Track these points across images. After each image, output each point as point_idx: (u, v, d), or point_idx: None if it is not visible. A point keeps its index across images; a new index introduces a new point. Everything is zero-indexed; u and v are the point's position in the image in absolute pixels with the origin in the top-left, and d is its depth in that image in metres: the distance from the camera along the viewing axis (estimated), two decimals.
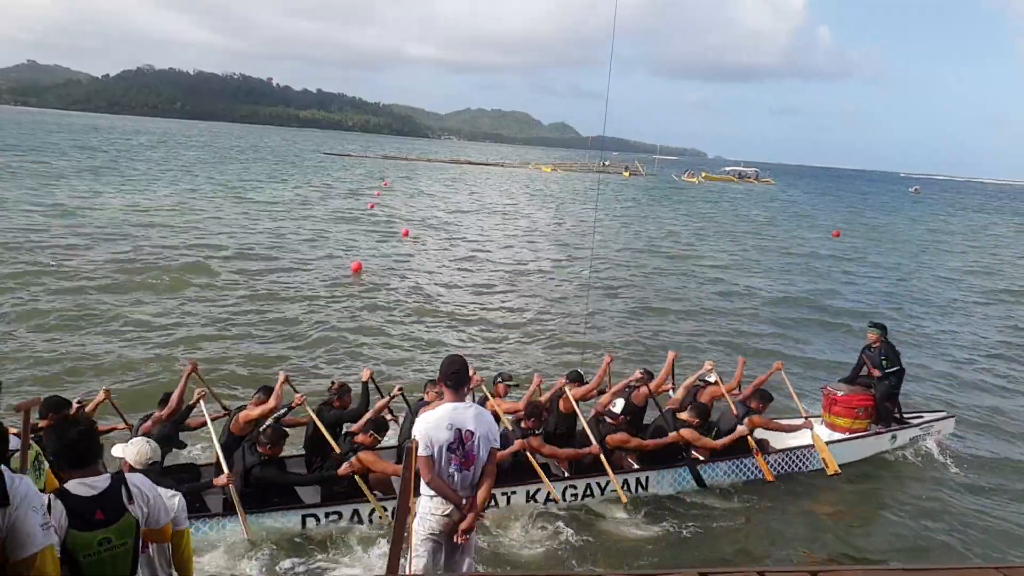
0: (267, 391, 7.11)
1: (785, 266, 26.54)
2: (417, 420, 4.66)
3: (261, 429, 6.76)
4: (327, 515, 6.76)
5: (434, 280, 19.54)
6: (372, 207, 35.63)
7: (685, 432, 8.03)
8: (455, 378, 4.58)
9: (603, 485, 7.64)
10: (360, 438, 6.83)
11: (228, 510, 6.49)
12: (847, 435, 9.24)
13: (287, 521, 6.63)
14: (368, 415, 7.12)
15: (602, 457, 7.53)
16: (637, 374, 8.24)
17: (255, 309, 14.99)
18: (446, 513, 4.55)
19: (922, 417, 10.02)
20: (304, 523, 6.69)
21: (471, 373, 7.52)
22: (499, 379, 8.31)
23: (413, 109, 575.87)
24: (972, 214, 71.22)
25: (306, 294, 16.63)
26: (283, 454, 6.85)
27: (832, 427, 9.41)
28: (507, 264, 22.95)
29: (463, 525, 4.52)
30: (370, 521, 6.83)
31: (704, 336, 15.58)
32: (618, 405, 8.11)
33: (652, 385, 8.28)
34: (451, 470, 4.51)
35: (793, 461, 8.65)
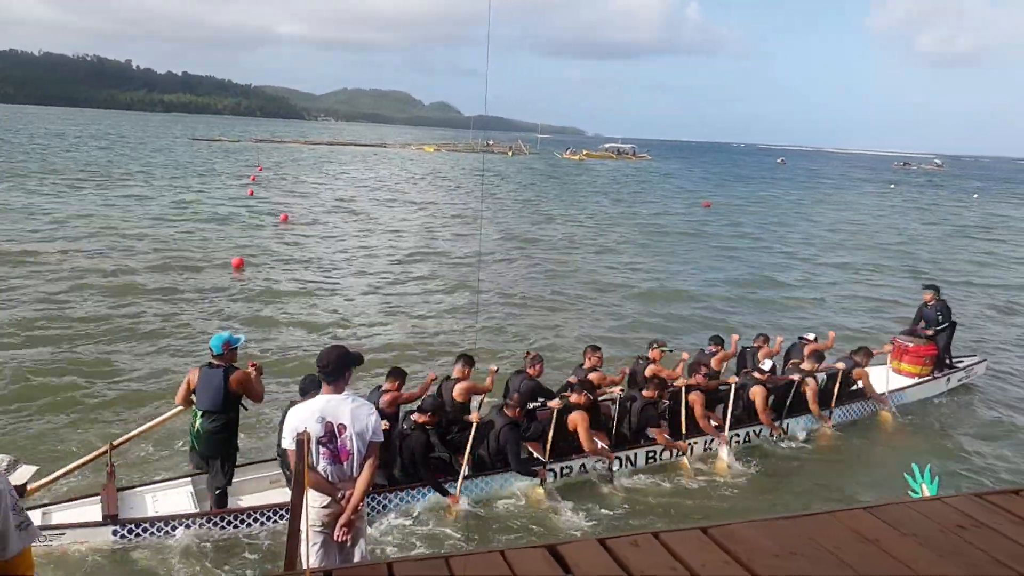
0: (399, 373, 7.47)
1: (669, 245, 27.53)
2: (290, 411, 4.50)
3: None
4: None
5: (317, 266, 18.97)
6: (251, 193, 34.18)
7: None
8: (329, 370, 4.42)
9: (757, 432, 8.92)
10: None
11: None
12: (917, 379, 10.85)
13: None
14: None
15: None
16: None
17: (124, 312, 13.88)
18: (324, 505, 4.44)
19: (963, 362, 11.72)
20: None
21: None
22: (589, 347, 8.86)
23: (287, 90, 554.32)
24: (827, 181, 76.54)
25: (185, 290, 15.61)
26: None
27: (900, 372, 10.95)
28: (393, 247, 22.59)
29: (341, 520, 4.41)
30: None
31: (615, 316, 15.93)
32: (767, 364, 9.08)
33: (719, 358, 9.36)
34: (323, 463, 4.41)
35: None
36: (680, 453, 8.27)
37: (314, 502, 4.39)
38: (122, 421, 8.83)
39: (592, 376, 8.32)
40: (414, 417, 7.02)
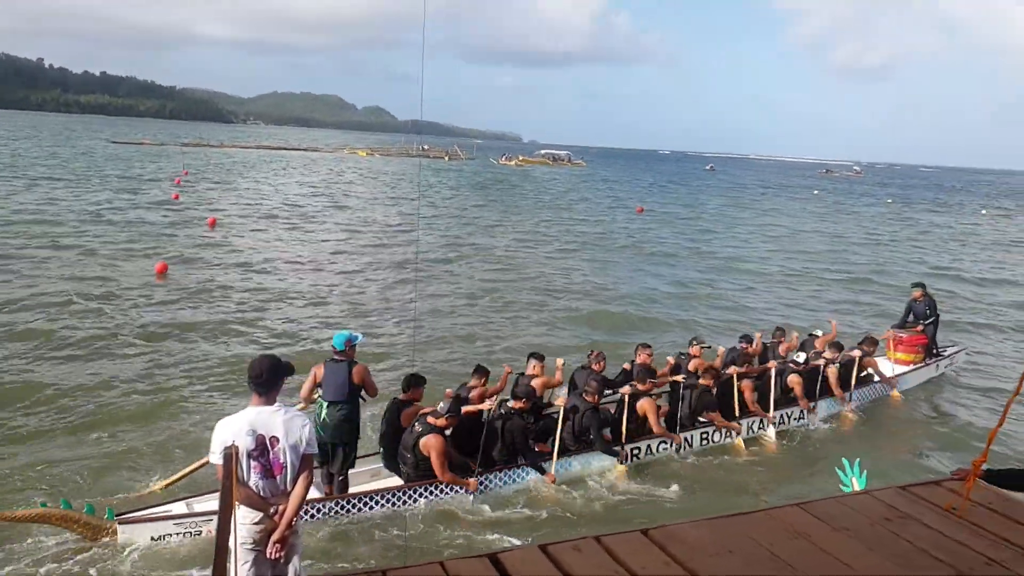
0: (483, 370, 8.30)
1: (607, 250, 27.88)
2: (219, 424, 4.33)
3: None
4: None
5: (247, 272, 18.45)
6: (176, 197, 33.07)
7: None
8: (261, 380, 4.26)
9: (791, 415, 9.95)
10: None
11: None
12: (911, 367, 12.20)
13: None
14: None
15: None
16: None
17: (44, 322, 13.17)
18: (256, 521, 4.27)
19: (947, 351, 13.15)
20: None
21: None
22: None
23: (214, 93, 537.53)
24: (755, 187, 78.99)
25: (105, 298, 14.94)
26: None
27: (897, 362, 12.25)
28: (327, 254, 22.19)
29: (274, 536, 4.25)
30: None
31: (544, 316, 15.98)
32: (800, 356, 10.23)
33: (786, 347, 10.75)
34: (254, 478, 4.24)
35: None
36: (736, 433, 9.32)
37: (244, 518, 4.21)
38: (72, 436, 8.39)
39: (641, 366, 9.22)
40: (511, 404, 7.80)
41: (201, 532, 6.46)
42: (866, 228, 40.03)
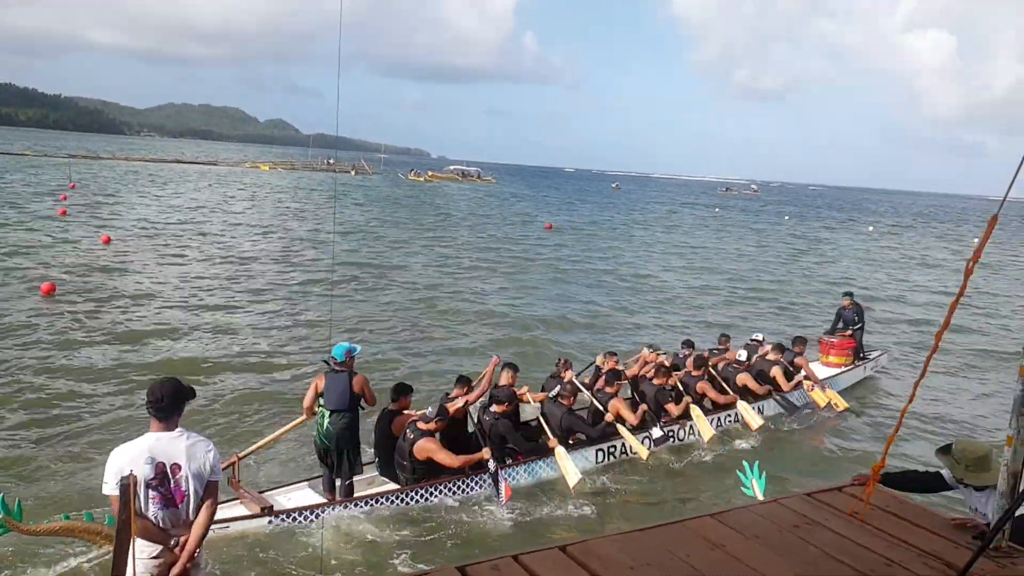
0: (465, 380, 8.66)
1: (517, 266, 28.04)
2: (113, 452, 4.06)
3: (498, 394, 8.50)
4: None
5: (143, 291, 17.53)
6: (63, 213, 31.14)
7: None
8: (163, 404, 4.04)
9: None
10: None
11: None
12: (842, 369, 13.24)
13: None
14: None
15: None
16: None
17: None
18: (154, 555, 4.02)
19: (872, 354, 14.26)
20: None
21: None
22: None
23: (105, 103, 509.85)
24: (660, 204, 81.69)
25: None
26: None
27: (828, 364, 13.35)
28: (229, 271, 21.36)
29: (174, 570, 4.01)
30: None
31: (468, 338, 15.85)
32: (743, 355, 11.36)
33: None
34: (153, 509, 4.00)
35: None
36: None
37: (142, 552, 3.96)
38: None
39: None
40: (494, 408, 8.36)
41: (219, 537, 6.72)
42: (767, 245, 41.93)
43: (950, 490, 4.86)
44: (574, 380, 9.41)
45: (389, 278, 22.03)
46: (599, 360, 10.47)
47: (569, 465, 8.26)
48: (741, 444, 10.26)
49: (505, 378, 9.04)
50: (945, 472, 4.83)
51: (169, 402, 4.07)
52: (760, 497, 6.14)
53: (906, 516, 4.33)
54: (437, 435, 7.67)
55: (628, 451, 9.27)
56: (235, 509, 7.12)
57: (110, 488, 3.92)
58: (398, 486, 7.70)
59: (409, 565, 6.61)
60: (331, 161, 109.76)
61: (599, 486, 8.63)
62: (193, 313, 15.96)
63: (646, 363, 10.61)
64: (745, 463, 6.76)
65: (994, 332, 20.19)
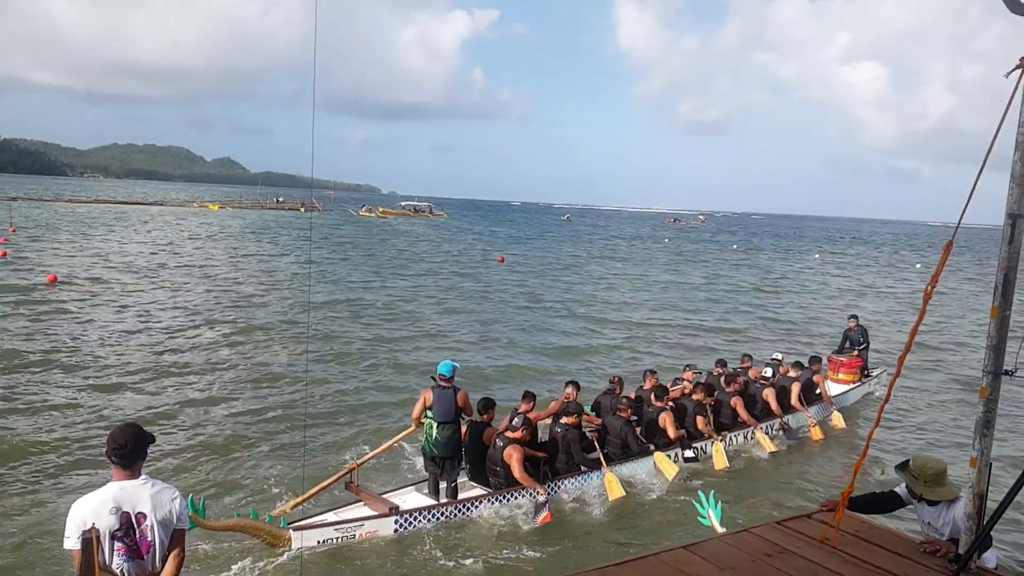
0: (531, 395, 9.46)
1: (473, 300, 28.02)
2: (75, 505, 3.88)
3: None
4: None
5: (95, 335, 16.95)
6: (3, 255, 30.11)
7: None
8: (126, 451, 3.88)
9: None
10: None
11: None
12: (851, 385, 14.37)
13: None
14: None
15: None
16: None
17: None
18: None
19: (875, 371, 15.43)
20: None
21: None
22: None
23: (47, 144, 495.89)
24: (610, 236, 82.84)
25: None
26: None
27: (838, 382, 14.43)
28: (184, 313, 20.82)
29: None
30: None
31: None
32: (768, 371, 12.50)
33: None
34: (118, 561, 3.82)
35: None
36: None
37: None
38: None
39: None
40: (564, 420, 9.24)
41: (354, 536, 7.68)
42: (721, 274, 42.69)
43: (905, 506, 4.98)
44: (630, 396, 10.54)
45: (353, 317, 21.75)
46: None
47: (616, 483, 9.11)
48: (707, 474, 10.35)
49: (571, 394, 9.93)
50: (900, 489, 4.96)
51: (133, 448, 3.92)
52: (717, 525, 6.21)
53: (875, 540, 4.40)
54: (523, 443, 8.64)
55: (656, 468, 10.01)
56: (360, 510, 7.99)
57: (72, 543, 3.75)
58: (489, 490, 8.65)
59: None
60: (280, 200, 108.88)
61: (575, 518, 8.63)
62: (146, 353, 15.45)
63: (687, 382, 11.80)
64: (701, 493, 6.85)
65: (954, 355, 20.74)
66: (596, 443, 9.57)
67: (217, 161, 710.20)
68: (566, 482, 9.11)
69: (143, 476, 3.99)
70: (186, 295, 23.95)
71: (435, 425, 8.27)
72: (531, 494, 8.50)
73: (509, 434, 8.53)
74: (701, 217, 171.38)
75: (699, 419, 10.86)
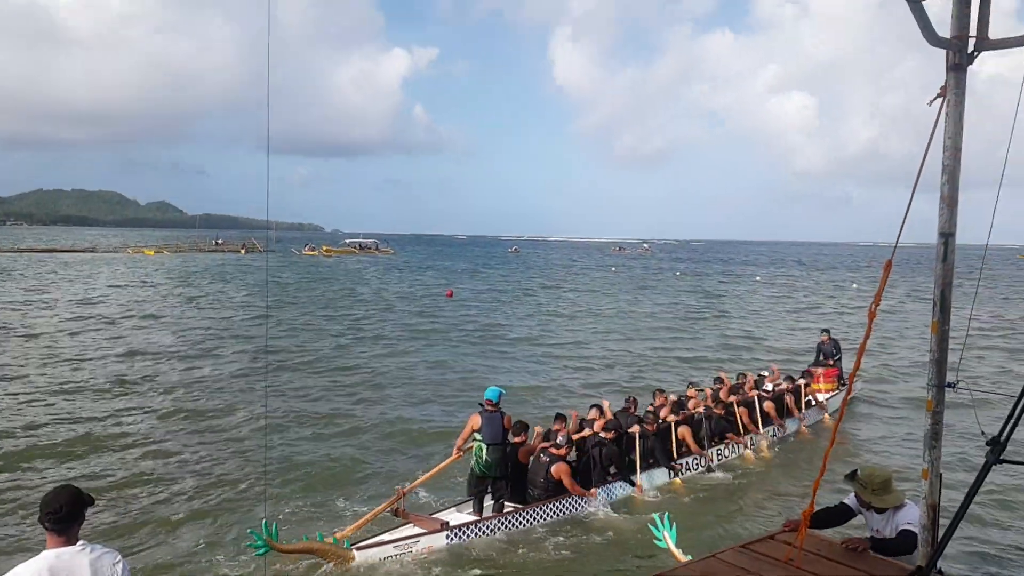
0: (562, 417, 10.45)
1: (429, 337, 27.75)
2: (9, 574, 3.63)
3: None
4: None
5: (27, 388, 16.16)
6: None
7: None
8: (61, 515, 3.64)
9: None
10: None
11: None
12: (832, 393, 15.63)
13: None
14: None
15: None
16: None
17: None
18: None
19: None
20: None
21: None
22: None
23: None
24: (558, 266, 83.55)
25: None
26: None
27: (819, 391, 15.55)
28: (123, 365, 20.02)
29: None
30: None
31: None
32: (769, 386, 13.99)
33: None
34: None
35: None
36: (743, 447, 12.50)
37: None
38: None
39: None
40: (603, 435, 10.18)
41: (412, 551, 8.21)
42: (675, 301, 43.11)
43: (856, 516, 5.08)
44: (653, 412, 11.50)
45: (303, 363, 21.21)
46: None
47: (647, 486, 10.37)
48: (676, 497, 10.49)
49: (605, 412, 10.91)
50: (849, 499, 5.07)
51: (68, 511, 3.67)
52: (672, 546, 6.23)
53: (836, 558, 4.45)
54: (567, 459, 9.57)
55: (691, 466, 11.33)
56: (413, 530, 8.48)
57: None
58: (534, 503, 9.29)
59: None
60: (220, 241, 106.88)
61: (550, 548, 8.65)
62: (78, 406, 14.78)
63: (691, 398, 12.78)
64: (655, 516, 6.87)
65: (903, 370, 21.12)
66: (635, 451, 10.52)
67: (152, 204, 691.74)
68: (610, 487, 10.11)
69: (81, 542, 3.75)
70: (122, 347, 23.06)
71: (485, 447, 8.90)
72: (578, 501, 9.50)
73: (554, 451, 9.45)
74: (645, 245, 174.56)
75: (743, 411, 12.54)
